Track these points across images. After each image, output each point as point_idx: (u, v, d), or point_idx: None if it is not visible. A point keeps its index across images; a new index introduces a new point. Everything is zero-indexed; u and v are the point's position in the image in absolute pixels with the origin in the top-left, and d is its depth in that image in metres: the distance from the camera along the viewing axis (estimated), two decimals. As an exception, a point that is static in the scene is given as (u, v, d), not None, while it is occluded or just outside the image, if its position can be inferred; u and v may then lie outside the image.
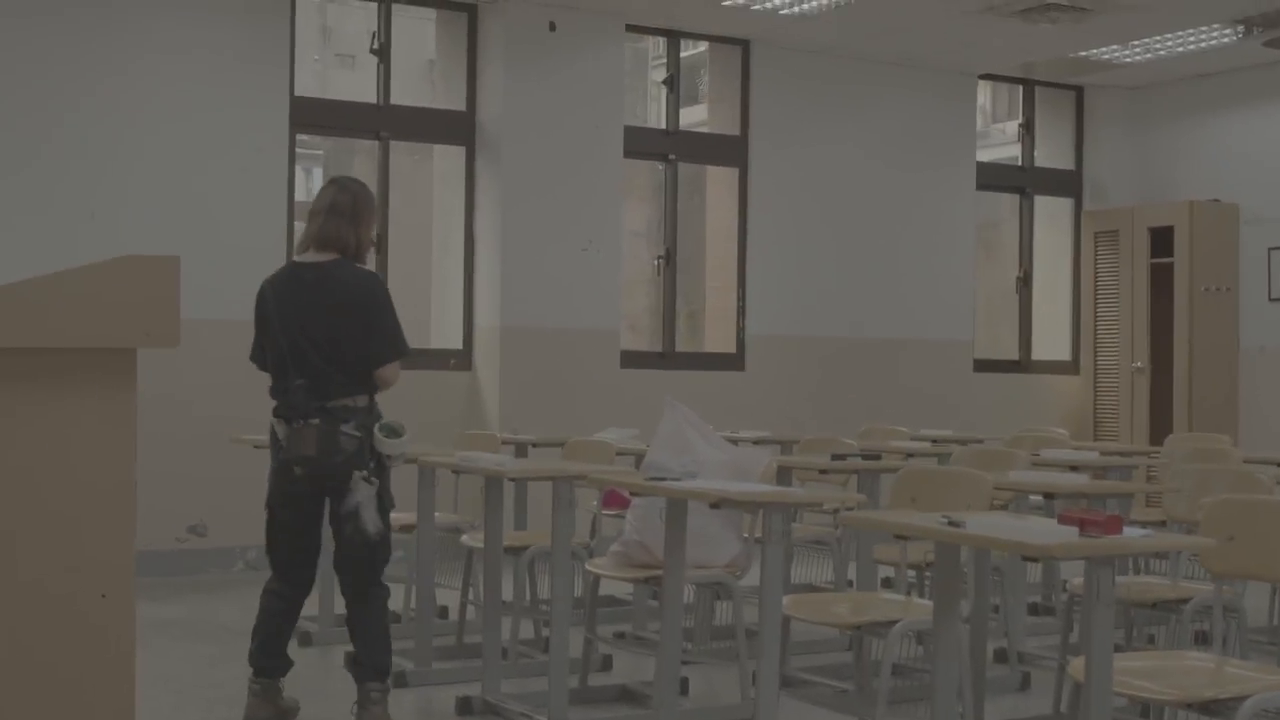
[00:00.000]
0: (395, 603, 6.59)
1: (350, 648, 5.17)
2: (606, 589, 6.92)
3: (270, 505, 5.14)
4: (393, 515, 5.48)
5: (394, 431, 4.95)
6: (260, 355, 5.17)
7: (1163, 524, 6.23)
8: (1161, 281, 11.28)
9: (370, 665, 4.99)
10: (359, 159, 10.19)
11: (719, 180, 10.82)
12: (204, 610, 7.44)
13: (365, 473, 4.92)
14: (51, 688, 3.82)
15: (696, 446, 5.30)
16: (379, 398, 5.03)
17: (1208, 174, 11.38)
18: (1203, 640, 5.87)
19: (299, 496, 5.05)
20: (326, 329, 4.92)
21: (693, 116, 11.16)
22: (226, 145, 8.63)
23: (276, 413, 5.05)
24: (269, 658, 5.13)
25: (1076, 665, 3.56)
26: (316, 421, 4.88)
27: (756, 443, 7.38)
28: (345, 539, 4.99)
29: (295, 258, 5.13)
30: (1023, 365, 11.80)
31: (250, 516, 8.38)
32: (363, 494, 4.93)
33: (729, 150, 10.50)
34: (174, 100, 8.52)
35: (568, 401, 9.41)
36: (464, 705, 5.29)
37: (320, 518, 5.12)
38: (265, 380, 8.68)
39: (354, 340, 4.91)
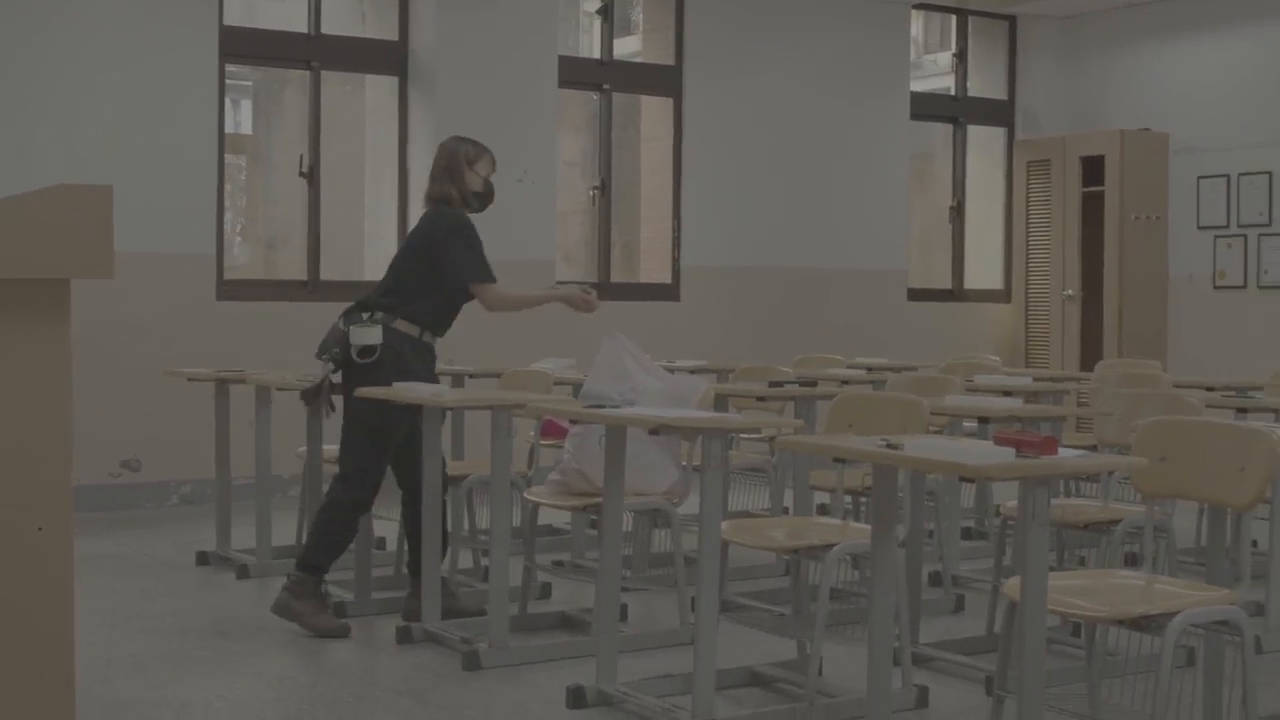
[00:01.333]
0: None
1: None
2: (544, 518, 6.94)
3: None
4: (328, 447, 6.04)
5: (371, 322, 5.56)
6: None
7: (1093, 448, 6.31)
8: (1092, 210, 11.38)
9: (300, 557, 5.57)
10: (289, 90, 10.06)
11: (654, 110, 10.79)
12: (138, 545, 7.40)
13: (326, 356, 5.57)
14: (-12, 619, 3.80)
15: (634, 375, 5.31)
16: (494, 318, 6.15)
17: (1138, 103, 11.46)
18: (1132, 562, 5.98)
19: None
20: (400, 262, 5.75)
21: (627, 46, 11.10)
22: (155, 76, 8.50)
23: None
24: (310, 553, 5.55)
25: (1011, 585, 3.61)
26: (342, 318, 5.61)
27: (693, 372, 7.40)
28: (344, 425, 5.66)
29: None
30: (956, 294, 11.89)
31: (185, 451, 8.42)
32: (325, 376, 5.65)
33: (663, 80, 10.46)
34: (102, 30, 8.37)
35: (503, 332, 9.37)
36: (404, 634, 5.30)
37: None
38: (198, 314, 8.64)
39: (416, 270, 5.64)
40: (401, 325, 5.57)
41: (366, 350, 5.47)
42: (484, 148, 5.91)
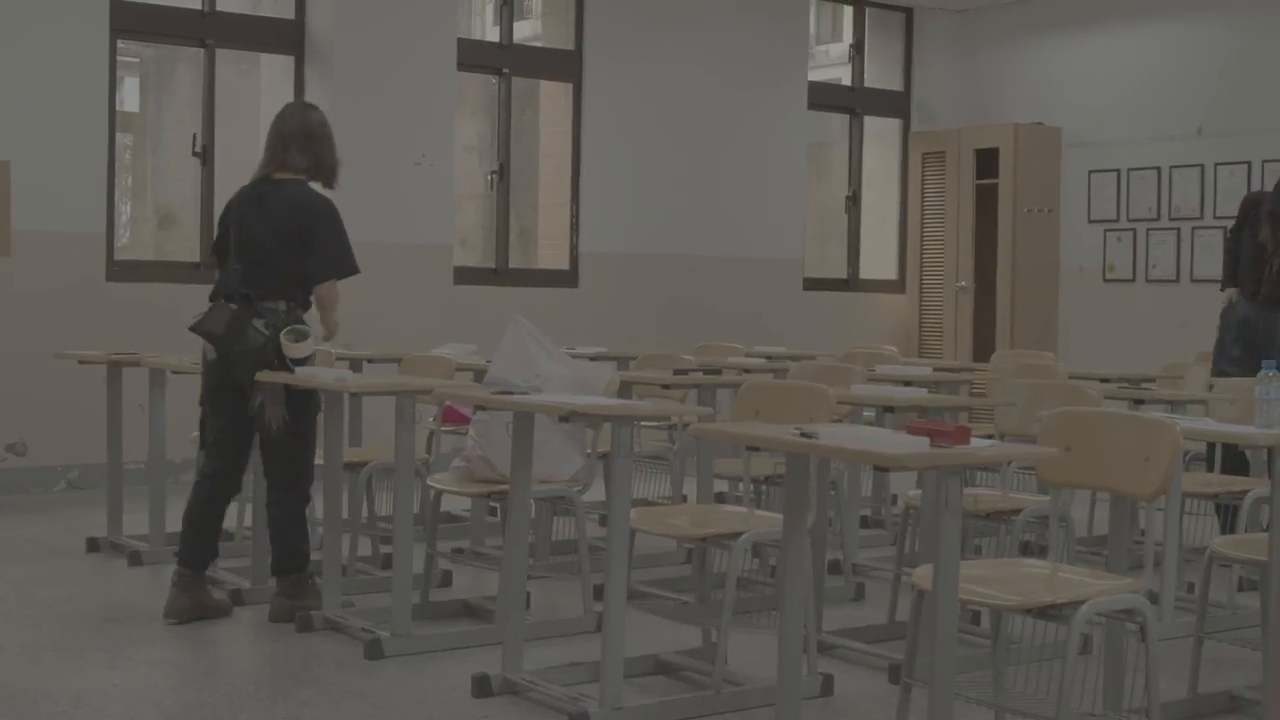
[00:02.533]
0: (228, 521, 6.50)
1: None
2: (445, 506, 6.88)
3: (201, 402, 5.51)
4: None
5: (301, 335, 5.25)
6: (220, 262, 5.55)
7: (990, 438, 6.37)
8: (986, 202, 11.52)
9: (274, 560, 5.42)
10: (183, 67, 9.87)
11: (552, 95, 10.74)
12: (28, 530, 7.24)
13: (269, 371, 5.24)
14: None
15: (539, 361, 5.27)
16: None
17: (1032, 97, 11.61)
18: (1027, 550, 6.05)
19: (219, 388, 5.38)
20: (267, 238, 5.32)
21: (526, 30, 11.03)
22: (43, 51, 8.29)
23: (211, 296, 5.40)
24: (189, 548, 5.37)
25: (921, 573, 3.63)
26: (234, 306, 5.25)
27: (594, 358, 7.37)
28: (263, 439, 5.35)
29: (259, 174, 5.48)
30: (851, 284, 11.97)
31: (73, 435, 8.24)
32: (267, 393, 5.23)
33: (563, 65, 10.42)
34: (-13, 2, 8.16)
35: (400, 318, 9.30)
36: (304, 622, 5.23)
37: (245, 417, 5.34)
38: (87, 295, 8.46)
39: (290, 254, 5.31)
40: (290, 312, 5.36)
41: (303, 363, 5.27)
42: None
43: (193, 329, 5.33)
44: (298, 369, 5.24)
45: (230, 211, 5.52)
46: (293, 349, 5.20)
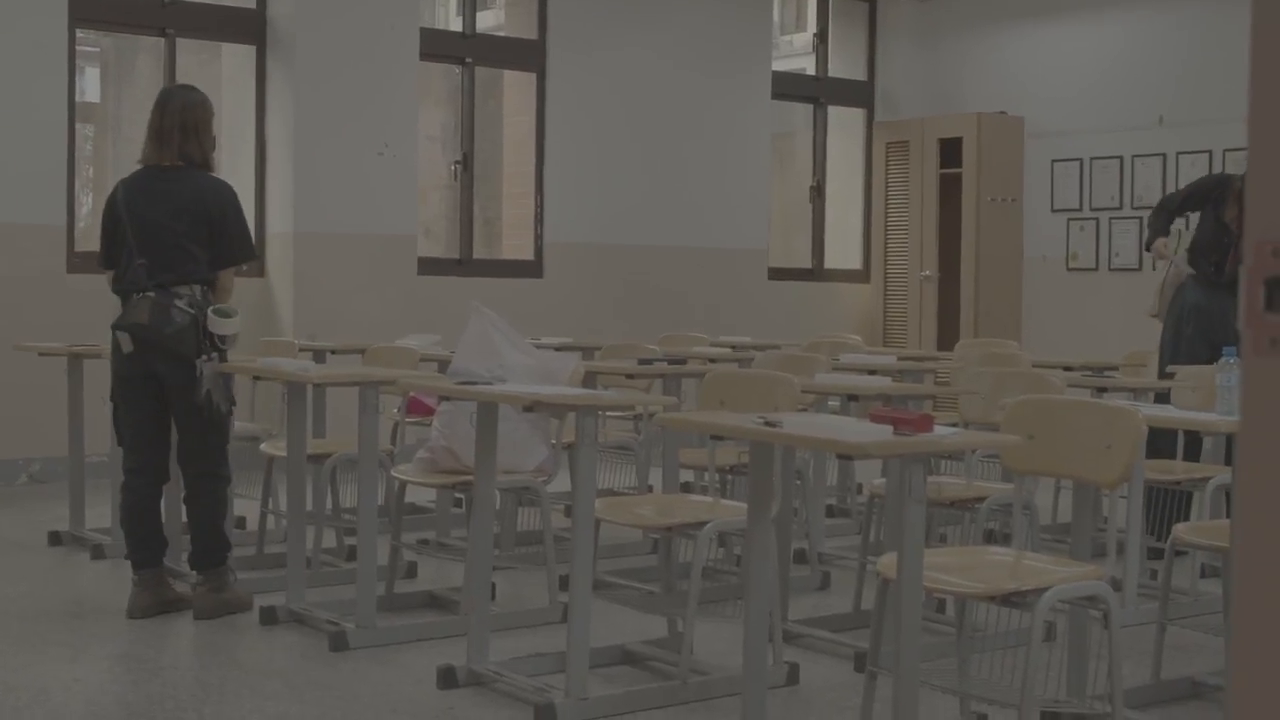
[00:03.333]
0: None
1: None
2: (408, 498, 6.86)
3: (112, 398, 5.41)
4: None
5: (226, 313, 5.22)
6: (109, 259, 5.40)
7: (955, 426, 6.39)
8: (950, 192, 11.54)
9: (195, 554, 5.35)
10: (143, 57, 9.80)
11: (516, 85, 10.71)
12: (-13, 524, 7.18)
13: (205, 356, 5.16)
14: None
15: (503, 351, 5.26)
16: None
17: (995, 87, 11.63)
18: (991, 538, 6.07)
19: (131, 378, 5.26)
20: (173, 224, 5.21)
21: (489, 20, 11.00)
22: (2, 41, 8.22)
23: (115, 290, 5.31)
24: (137, 549, 5.34)
25: (886, 562, 3.63)
26: (151, 294, 5.16)
27: (559, 349, 7.35)
28: (183, 427, 5.27)
29: (147, 163, 5.34)
30: (815, 273, 11.98)
31: (34, 427, 8.18)
32: (209, 378, 5.16)
33: (526, 54, 10.39)
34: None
35: (364, 309, 9.27)
36: (268, 615, 5.20)
37: (161, 405, 5.29)
38: (47, 287, 8.38)
39: (198, 240, 5.23)
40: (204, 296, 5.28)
41: (230, 340, 5.26)
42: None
43: (115, 326, 5.23)
44: (229, 349, 5.26)
45: (117, 205, 5.34)
46: (221, 325, 5.18)
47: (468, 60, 10.12)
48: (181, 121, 5.30)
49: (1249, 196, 1.23)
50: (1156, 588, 4.94)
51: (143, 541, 5.34)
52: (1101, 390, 5.95)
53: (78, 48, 8.89)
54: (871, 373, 5.96)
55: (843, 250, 12.22)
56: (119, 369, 5.31)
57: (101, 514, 6.63)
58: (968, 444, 3.66)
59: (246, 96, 9.36)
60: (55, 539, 6.67)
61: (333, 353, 7.41)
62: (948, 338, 11.12)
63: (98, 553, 6.36)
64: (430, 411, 6.41)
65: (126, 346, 5.21)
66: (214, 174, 5.45)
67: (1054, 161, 11.30)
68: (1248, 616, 1.17)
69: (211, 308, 5.21)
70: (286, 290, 9.18)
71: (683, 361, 6.44)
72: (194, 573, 5.37)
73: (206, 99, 5.44)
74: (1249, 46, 1.23)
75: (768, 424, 3.45)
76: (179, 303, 5.17)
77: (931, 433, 3.30)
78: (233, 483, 5.56)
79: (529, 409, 4.26)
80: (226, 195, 5.37)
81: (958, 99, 11.87)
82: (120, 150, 10.18)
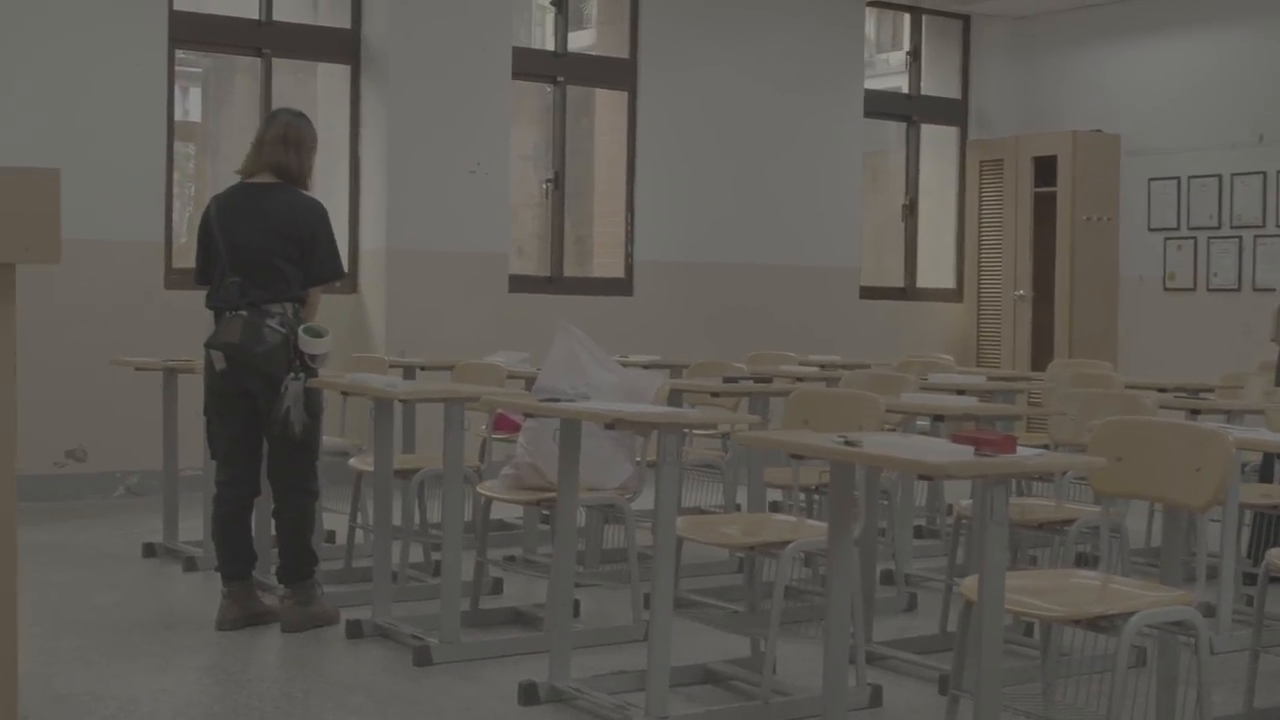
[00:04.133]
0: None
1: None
2: (496, 513, 6.90)
3: (205, 413, 5.50)
4: None
5: (317, 333, 5.28)
6: (204, 275, 5.50)
7: (1047, 448, 6.32)
8: (1044, 211, 11.42)
9: (281, 569, 5.42)
10: (240, 77, 9.95)
11: (608, 104, 10.75)
12: (83, 536, 7.31)
13: (293, 374, 5.23)
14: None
15: (589, 369, 5.27)
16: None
17: (1091, 104, 11.51)
18: (1084, 562, 5.99)
19: (224, 394, 5.35)
20: (265, 243, 5.29)
21: (581, 40, 11.05)
22: (104, 62, 8.39)
23: (209, 306, 5.40)
24: (227, 561, 5.42)
25: (968, 584, 3.59)
26: (244, 313, 5.24)
27: (647, 367, 7.36)
28: (274, 442, 5.33)
29: (245, 174, 5.45)
30: (908, 292, 11.90)
31: (131, 441, 8.31)
32: (292, 396, 5.23)
33: (618, 73, 10.42)
34: (51, 14, 8.25)
35: (455, 326, 9.34)
36: (354, 629, 5.24)
37: (253, 420, 5.38)
38: (147, 303, 8.52)
39: (289, 259, 5.31)
40: (296, 315, 5.36)
41: (321, 359, 5.33)
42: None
43: (209, 344, 5.31)
44: (319, 368, 5.32)
45: (210, 221, 5.42)
46: (312, 344, 5.24)
47: (560, 79, 10.18)
48: (284, 135, 5.41)
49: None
50: (1252, 614, 4.85)
51: (233, 554, 5.41)
52: (1195, 412, 5.85)
53: (179, 68, 9.04)
54: (960, 393, 5.91)
55: (936, 269, 12.14)
56: (213, 385, 5.39)
57: (194, 526, 6.72)
58: (1050, 466, 3.61)
59: (341, 115, 9.47)
60: (149, 550, 6.77)
61: (422, 369, 7.46)
62: (1042, 358, 10.99)
63: (190, 565, 6.45)
64: (517, 428, 6.44)
65: (219, 364, 5.30)
66: (307, 192, 5.51)
67: (1151, 180, 11.15)
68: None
69: (302, 327, 5.27)
70: (379, 307, 9.27)
71: (768, 380, 6.41)
72: (282, 586, 5.42)
73: (305, 123, 5.51)
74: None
75: (848, 443, 3.43)
76: (271, 321, 5.24)
77: (1014, 454, 3.26)
78: (321, 497, 5.62)
79: (611, 426, 4.26)
80: (317, 213, 5.43)
81: (1052, 117, 11.76)
82: (219, 168, 10.33)
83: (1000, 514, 3.27)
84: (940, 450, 3.34)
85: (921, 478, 4.65)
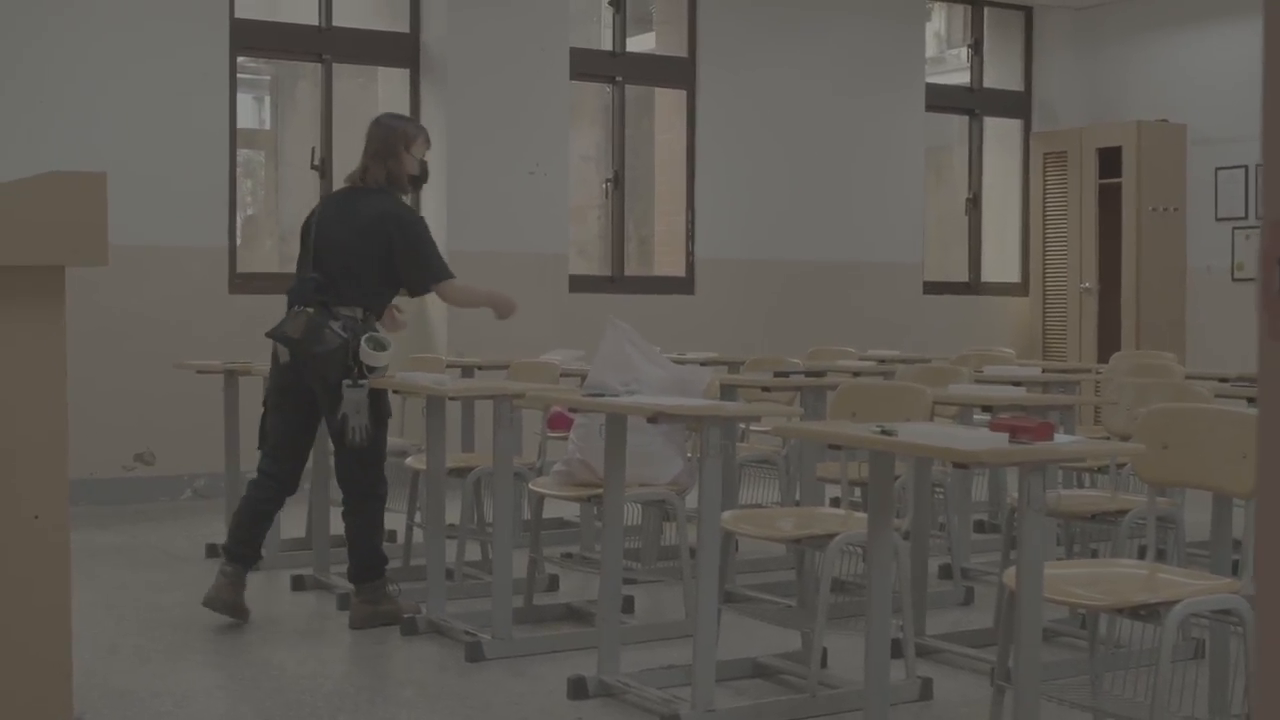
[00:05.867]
0: (340, 527, 6.60)
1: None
2: (556, 511, 6.93)
3: (265, 402, 5.60)
4: None
5: (380, 344, 5.28)
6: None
7: (1107, 439, 6.26)
8: (1110, 202, 11.31)
9: (352, 568, 5.47)
10: (302, 83, 10.06)
11: (667, 103, 10.76)
12: (151, 538, 7.41)
13: (350, 380, 5.25)
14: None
15: (638, 364, 5.28)
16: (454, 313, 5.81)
17: (1156, 94, 11.39)
18: (1144, 555, 5.92)
19: (287, 389, 5.44)
20: (347, 244, 5.39)
21: (641, 42, 11.07)
22: (167, 68, 8.51)
23: (290, 303, 5.43)
24: (240, 544, 5.47)
25: (1010, 574, 3.58)
26: (311, 310, 5.29)
27: (704, 363, 7.37)
28: (339, 446, 5.39)
29: (350, 181, 5.59)
30: (972, 287, 11.83)
31: (198, 444, 8.42)
32: (349, 403, 5.26)
33: (677, 72, 10.44)
34: (113, 22, 8.38)
35: (516, 327, 9.27)
36: (409, 626, 5.29)
37: (310, 421, 5.51)
38: (211, 307, 8.63)
39: (370, 263, 5.39)
40: (365, 320, 5.43)
41: (379, 371, 5.34)
42: (420, 126, 5.71)
43: (270, 334, 5.39)
44: (376, 377, 5.33)
45: (311, 220, 5.57)
46: (372, 356, 5.25)
47: (618, 79, 10.20)
48: (371, 142, 5.53)
49: (1264, 179, 1.19)
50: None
51: (248, 539, 5.48)
52: (1252, 400, 5.78)
53: (246, 76, 9.16)
54: (1014, 384, 5.87)
55: (1000, 263, 12.05)
56: (277, 378, 5.49)
57: (256, 527, 6.79)
58: (1084, 453, 3.59)
59: (401, 119, 9.53)
60: (212, 551, 6.85)
61: (479, 368, 7.51)
62: (1109, 352, 10.85)
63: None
64: (571, 425, 6.47)
65: (284, 357, 5.38)
66: (405, 199, 5.60)
67: (1218, 169, 11.02)
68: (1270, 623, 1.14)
69: (366, 336, 5.27)
70: (441, 308, 9.31)
71: (821, 374, 6.39)
72: (352, 585, 5.49)
73: (396, 123, 5.59)
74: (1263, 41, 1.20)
75: (884, 433, 3.42)
76: (334, 324, 5.27)
77: (1050, 441, 3.24)
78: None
79: (653, 420, 4.28)
80: (409, 217, 5.53)
81: (1116, 107, 11.64)
82: (284, 174, 10.46)
83: (1038, 502, 3.26)
84: (975, 438, 3.33)
85: (956, 466, 4.60)
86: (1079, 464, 5.73)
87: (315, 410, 5.44)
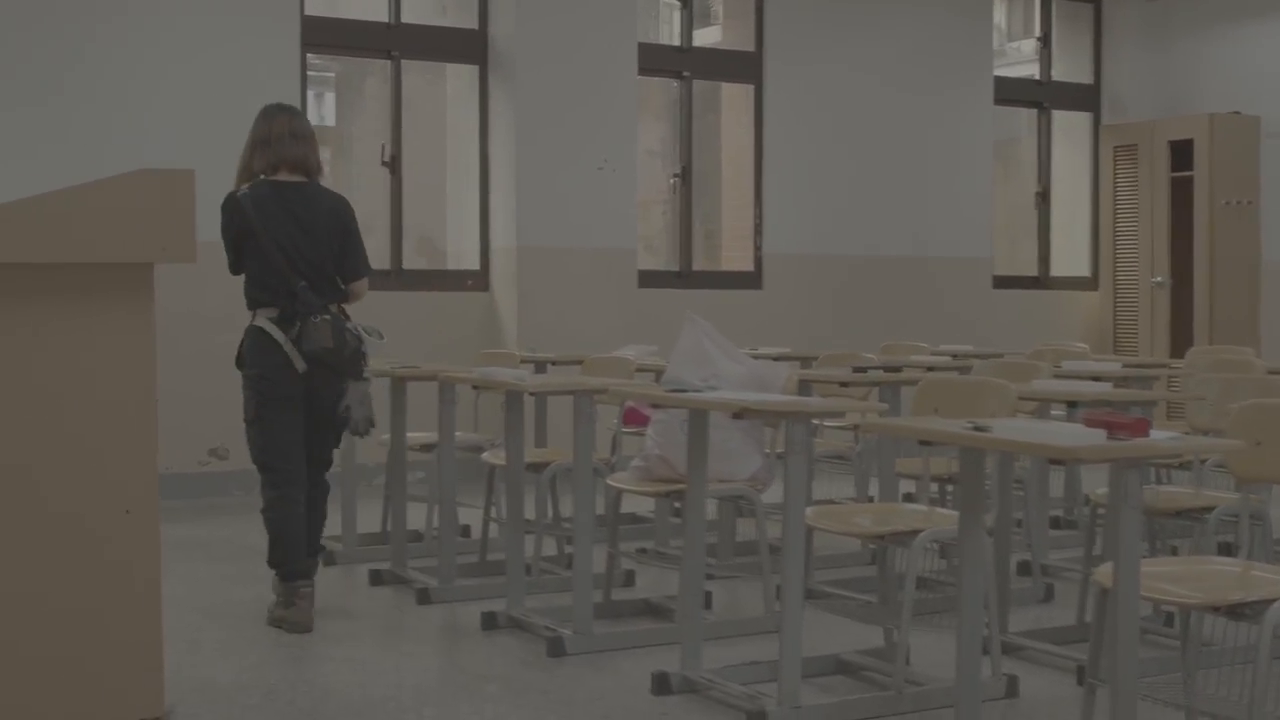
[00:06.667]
0: (417, 522, 6.66)
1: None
2: (628, 506, 6.93)
3: (261, 414, 5.38)
4: (412, 435, 6.24)
5: (378, 334, 5.43)
6: (238, 266, 5.50)
7: (1185, 435, 6.19)
8: (1181, 195, 11.19)
9: (315, 553, 5.49)
10: (371, 80, 10.10)
11: (734, 97, 10.73)
12: (227, 531, 7.46)
13: (356, 375, 5.33)
14: (79, 599, 3.83)
15: (716, 360, 5.27)
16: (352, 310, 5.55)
17: (1228, 86, 11.25)
18: (1225, 552, 5.86)
19: (292, 396, 5.35)
20: (310, 242, 5.32)
21: (707, 36, 11.04)
22: (238, 66, 8.55)
23: (278, 319, 5.32)
24: (305, 557, 5.38)
25: (1103, 571, 3.54)
26: (328, 318, 5.26)
27: (776, 359, 7.34)
28: (327, 435, 5.45)
29: (268, 177, 5.40)
30: (1041, 281, 11.75)
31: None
32: (353, 393, 5.32)
33: (744, 66, 10.41)
34: (183, 19, 8.44)
35: (585, 322, 9.39)
36: (489, 620, 5.30)
37: (298, 425, 5.40)
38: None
39: (331, 255, 5.37)
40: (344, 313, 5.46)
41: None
42: None
43: (310, 352, 5.23)
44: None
45: (247, 218, 5.33)
46: (374, 346, 5.39)
47: (685, 74, 10.18)
48: (292, 130, 5.42)
49: None
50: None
51: (304, 550, 5.38)
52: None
53: (315, 73, 9.20)
54: (1094, 379, 5.82)
55: (1070, 257, 11.96)
56: (284, 387, 5.32)
57: (332, 522, 6.80)
58: (1183, 449, 3.55)
59: (470, 115, 9.57)
60: (288, 546, 6.89)
61: (552, 364, 7.52)
62: (1180, 347, 10.76)
63: (328, 559, 6.55)
64: (647, 421, 6.46)
65: (300, 365, 5.28)
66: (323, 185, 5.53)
67: (1293, 161, 10.89)
68: None
69: (363, 328, 5.37)
70: (510, 304, 9.35)
71: (898, 370, 6.36)
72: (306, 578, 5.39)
73: (302, 119, 5.55)
74: None
75: (977, 429, 3.40)
76: (349, 325, 5.34)
77: (1147, 437, 3.20)
78: (456, 492, 5.73)
79: (738, 416, 4.26)
80: (350, 211, 5.52)
81: (1188, 100, 11.51)
82: (352, 170, 10.51)
83: (1134, 498, 3.22)
84: (1072, 434, 3.29)
85: (1053, 462, 4.59)
86: (1168, 460, 5.66)
87: (310, 410, 5.39)
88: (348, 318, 5.41)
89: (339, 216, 5.41)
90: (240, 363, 5.48)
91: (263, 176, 5.40)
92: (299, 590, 5.30)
